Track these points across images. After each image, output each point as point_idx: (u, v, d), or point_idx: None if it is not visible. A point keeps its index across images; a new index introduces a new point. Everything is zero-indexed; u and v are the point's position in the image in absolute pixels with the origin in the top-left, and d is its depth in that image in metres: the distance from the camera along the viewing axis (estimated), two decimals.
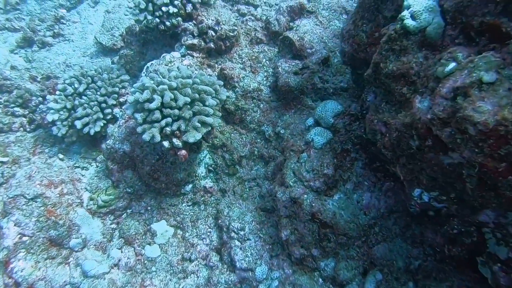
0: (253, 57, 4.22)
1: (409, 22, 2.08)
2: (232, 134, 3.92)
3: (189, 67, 3.94)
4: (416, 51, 2.20)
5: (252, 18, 4.83)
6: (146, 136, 3.06)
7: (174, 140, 3.13)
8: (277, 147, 3.75)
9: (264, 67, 4.14)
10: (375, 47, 2.87)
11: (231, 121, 3.97)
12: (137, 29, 4.73)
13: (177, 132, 3.13)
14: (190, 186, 3.90)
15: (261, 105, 3.94)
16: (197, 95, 3.26)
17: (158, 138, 3.07)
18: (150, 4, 4.10)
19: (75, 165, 4.19)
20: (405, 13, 2.11)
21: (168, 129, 3.10)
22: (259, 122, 3.90)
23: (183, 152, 3.17)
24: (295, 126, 3.60)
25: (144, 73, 4.17)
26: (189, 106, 3.23)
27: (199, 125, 3.14)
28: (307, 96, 3.72)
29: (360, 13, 2.98)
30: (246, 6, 5.09)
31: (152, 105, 3.05)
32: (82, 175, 4.11)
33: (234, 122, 3.96)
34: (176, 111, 3.13)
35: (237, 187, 3.79)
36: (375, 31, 2.92)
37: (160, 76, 3.30)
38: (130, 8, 4.21)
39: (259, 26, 4.69)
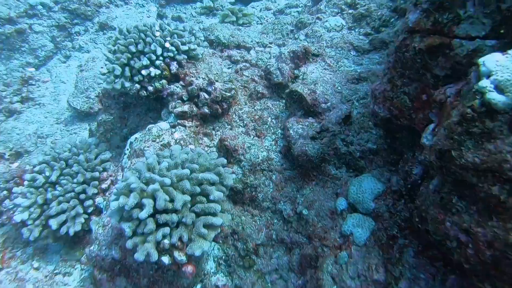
0: (256, 117, 3.56)
1: (494, 96, 1.43)
2: (243, 217, 3.21)
3: (181, 141, 3.26)
4: (508, 135, 1.55)
5: (247, 64, 4.20)
6: (139, 256, 2.34)
7: (176, 254, 2.42)
8: (299, 230, 3.05)
9: (271, 128, 3.49)
10: (423, 112, 2.24)
11: (240, 201, 3.28)
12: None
13: (179, 243, 2.42)
14: (199, 286, 3.16)
15: (274, 177, 3.26)
16: (197, 188, 2.58)
17: (155, 256, 2.36)
18: (127, 69, 3.43)
19: (54, 271, 3.43)
20: (485, 83, 1.46)
21: (166, 241, 2.40)
22: (273, 198, 3.21)
23: (189, 268, 2.46)
24: (320, 204, 2.92)
25: (127, 149, 3.48)
26: (189, 205, 2.53)
27: (206, 231, 2.44)
28: (329, 164, 3.06)
29: (398, 69, 2.34)
30: (238, 51, 4.47)
31: (143, 214, 2.35)
32: (65, 285, 3.34)
33: (244, 202, 3.26)
34: (174, 215, 2.43)
35: (256, 283, 3.07)
36: (421, 93, 2.28)
37: (149, 169, 2.60)
38: (103, 74, 3.53)
39: (256, 74, 4.06)
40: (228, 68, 4.28)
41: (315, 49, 3.79)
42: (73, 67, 5.85)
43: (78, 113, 4.83)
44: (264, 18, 5.90)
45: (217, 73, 3.78)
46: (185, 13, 6.46)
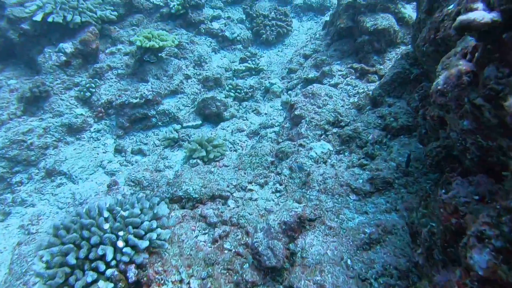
0: None
1: None
2: None
3: None
4: None
5: (227, 229, 3.35)
6: None
7: None
8: None
9: None
10: None
11: None
12: None
13: None
14: None
15: None
16: None
17: None
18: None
19: None
20: None
21: None
22: None
23: None
24: None
25: None
26: None
27: None
28: None
29: None
30: (213, 207, 3.65)
31: None
32: None
33: None
34: None
35: None
36: None
37: None
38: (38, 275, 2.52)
39: (241, 243, 3.20)
40: (204, 233, 3.40)
41: (311, 212, 3.02)
42: (14, 228, 4.79)
43: None
44: (238, 144, 5.24)
45: (191, 260, 2.88)
46: (146, 143, 5.73)
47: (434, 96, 1.93)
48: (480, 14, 1.33)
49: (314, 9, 8.66)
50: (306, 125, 4.76)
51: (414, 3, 5.44)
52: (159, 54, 6.44)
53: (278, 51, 7.77)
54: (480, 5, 1.40)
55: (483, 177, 1.72)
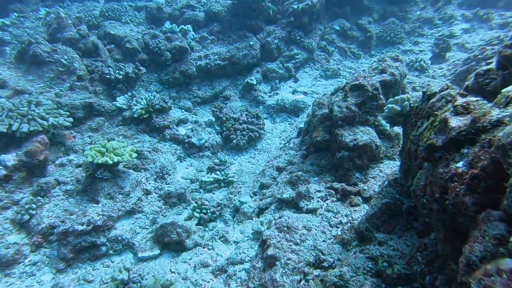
0: None
1: None
2: None
3: None
4: None
5: None
6: None
7: None
8: None
9: None
10: None
11: None
12: None
13: None
14: None
15: None
16: None
17: None
18: None
19: None
20: None
21: None
22: None
23: None
24: None
25: None
26: None
27: None
28: None
29: None
30: None
31: None
32: None
33: None
34: None
35: None
36: None
37: None
38: None
39: None
40: None
41: None
42: None
43: None
44: (201, 286, 4.37)
45: None
46: (92, 280, 4.74)
47: None
48: None
49: (288, 110, 8.50)
50: (281, 269, 4.03)
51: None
52: (116, 168, 5.76)
53: (250, 157, 7.31)
54: None
55: None
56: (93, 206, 5.26)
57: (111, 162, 5.26)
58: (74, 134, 6.83)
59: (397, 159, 5.29)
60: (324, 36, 10.77)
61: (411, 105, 3.55)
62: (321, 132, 5.54)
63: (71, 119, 6.48)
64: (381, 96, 5.29)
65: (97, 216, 5.13)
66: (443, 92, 3.00)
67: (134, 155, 5.73)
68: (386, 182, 4.25)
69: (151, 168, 6.30)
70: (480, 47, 9.21)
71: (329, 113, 5.52)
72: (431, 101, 3.06)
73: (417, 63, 8.07)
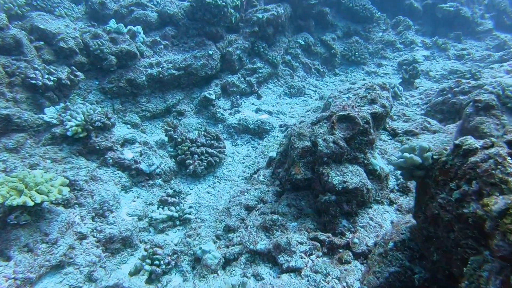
0: None
1: None
2: None
3: None
4: None
5: None
6: None
7: None
8: None
9: None
10: None
11: None
12: None
13: None
14: None
15: None
16: None
17: None
18: None
19: None
20: None
21: None
22: None
23: None
24: None
25: None
26: None
27: None
28: None
29: None
30: None
31: None
32: None
33: None
34: None
35: None
36: None
37: None
38: None
39: None
40: None
41: None
42: None
43: None
44: None
45: None
46: None
47: None
48: None
49: (251, 131, 7.59)
50: None
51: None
52: (38, 207, 4.38)
53: (209, 186, 6.25)
54: None
55: None
56: (2, 266, 3.85)
57: (31, 204, 3.92)
58: None
59: (386, 203, 4.66)
60: (288, 50, 10.10)
61: (434, 157, 2.86)
62: (301, 169, 4.71)
63: None
64: (371, 130, 4.62)
65: (6, 281, 3.74)
66: (491, 151, 2.32)
67: (66, 190, 4.40)
68: (391, 244, 3.50)
69: (88, 203, 4.97)
70: (445, 77, 9.15)
71: (311, 146, 4.72)
72: (472, 159, 2.37)
73: (392, 90, 7.72)
